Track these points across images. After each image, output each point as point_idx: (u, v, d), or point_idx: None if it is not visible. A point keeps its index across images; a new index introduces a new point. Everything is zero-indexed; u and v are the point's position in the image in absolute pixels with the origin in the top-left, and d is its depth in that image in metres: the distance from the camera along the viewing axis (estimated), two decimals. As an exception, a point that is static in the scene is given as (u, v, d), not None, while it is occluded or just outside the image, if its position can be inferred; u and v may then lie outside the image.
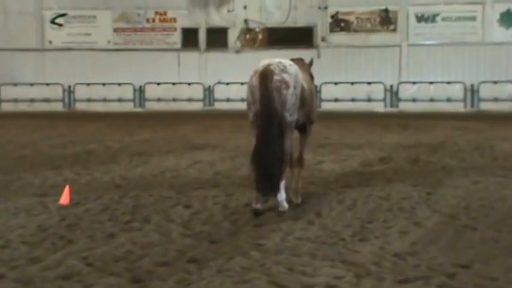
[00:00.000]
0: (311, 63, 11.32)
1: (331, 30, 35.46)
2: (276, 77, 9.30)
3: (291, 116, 9.45)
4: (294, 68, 9.62)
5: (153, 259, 7.13)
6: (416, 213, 9.48)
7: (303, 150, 10.50)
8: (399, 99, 34.48)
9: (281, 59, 9.73)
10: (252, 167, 9.27)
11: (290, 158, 10.11)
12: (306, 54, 32.98)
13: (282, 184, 9.54)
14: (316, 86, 11.65)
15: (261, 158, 9.11)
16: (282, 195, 9.59)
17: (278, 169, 9.18)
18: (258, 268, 6.80)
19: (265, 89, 9.22)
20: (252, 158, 9.25)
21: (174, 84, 35.58)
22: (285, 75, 9.35)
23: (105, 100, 35.66)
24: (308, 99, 9.96)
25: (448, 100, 33.76)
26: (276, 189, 9.31)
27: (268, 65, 9.44)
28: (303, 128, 10.41)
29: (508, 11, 34.04)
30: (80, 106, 35.78)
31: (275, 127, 9.19)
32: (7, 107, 35.59)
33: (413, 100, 34.06)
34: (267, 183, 9.13)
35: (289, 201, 9.81)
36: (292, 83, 9.39)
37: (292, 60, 10.58)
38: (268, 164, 9.08)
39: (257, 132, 9.30)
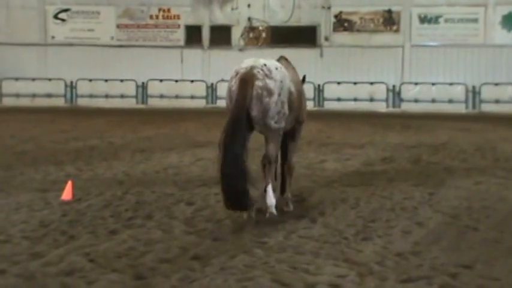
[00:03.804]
0: (303, 80, 10.18)
1: (335, 30, 35.42)
2: (258, 83, 8.53)
3: (277, 123, 8.73)
4: (280, 73, 8.80)
5: (156, 256, 7.13)
6: (419, 213, 9.49)
7: (292, 157, 9.81)
8: (401, 100, 34.44)
9: (267, 61, 8.93)
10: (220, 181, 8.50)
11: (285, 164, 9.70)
12: (309, 53, 33.56)
13: (270, 188, 8.93)
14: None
15: (225, 172, 8.33)
16: (271, 200, 8.92)
17: (244, 183, 8.32)
18: (261, 266, 6.81)
19: (242, 97, 8.46)
20: (218, 171, 8.51)
21: (176, 81, 35.55)
22: (268, 81, 8.58)
23: (107, 96, 35.61)
24: (296, 103, 9.16)
25: (450, 101, 33.72)
26: (246, 206, 8.49)
27: (252, 68, 8.65)
28: (290, 132, 9.50)
29: (510, 13, 33.97)
30: (82, 102, 35.72)
31: (241, 140, 8.40)
32: (9, 102, 35.52)
33: (416, 101, 34.01)
34: (233, 199, 8.39)
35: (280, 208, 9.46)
36: (277, 90, 8.62)
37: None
38: (233, 178, 8.29)
39: (221, 141, 8.47)
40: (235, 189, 8.36)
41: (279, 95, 8.67)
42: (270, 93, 8.58)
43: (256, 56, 9.26)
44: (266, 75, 8.62)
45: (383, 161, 14.87)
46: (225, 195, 8.47)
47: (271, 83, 8.61)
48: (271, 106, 8.61)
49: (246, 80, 8.54)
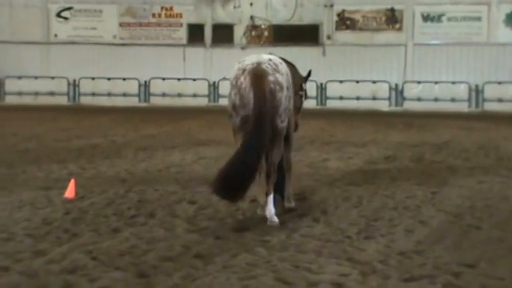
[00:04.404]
0: (309, 75, 10.21)
1: (337, 29, 35.36)
2: (270, 78, 8.32)
3: (282, 122, 8.55)
4: (284, 67, 8.71)
5: (158, 254, 7.13)
6: (422, 212, 9.48)
7: (289, 158, 9.57)
8: (404, 98, 34.39)
9: (269, 55, 8.81)
10: (226, 170, 8.20)
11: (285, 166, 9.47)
12: (311, 52, 33.52)
13: (270, 198, 8.66)
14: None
15: (242, 166, 8.04)
16: (271, 210, 8.62)
17: (250, 181, 8.12)
18: (263, 264, 6.80)
19: (260, 91, 8.15)
20: (230, 162, 8.18)
21: (179, 79, 35.51)
22: (278, 76, 8.42)
23: (109, 94, 35.60)
24: (295, 99, 9.10)
25: (453, 100, 33.65)
26: (236, 198, 8.36)
27: (259, 64, 8.42)
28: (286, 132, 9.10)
29: (514, 11, 33.97)
30: (85, 100, 35.72)
31: (267, 135, 8.19)
32: (12, 100, 35.53)
33: (418, 99, 33.95)
34: (232, 189, 8.12)
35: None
36: (285, 84, 8.48)
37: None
38: (247, 173, 8.05)
39: (245, 138, 8.22)
40: (245, 183, 8.10)
41: (287, 89, 8.55)
42: (281, 87, 8.42)
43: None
44: (275, 69, 8.47)
45: (386, 160, 14.86)
46: (233, 183, 8.11)
47: (280, 77, 8.46)
48: (283, 101, 8.44)
49: (261, 75, 8.31)
